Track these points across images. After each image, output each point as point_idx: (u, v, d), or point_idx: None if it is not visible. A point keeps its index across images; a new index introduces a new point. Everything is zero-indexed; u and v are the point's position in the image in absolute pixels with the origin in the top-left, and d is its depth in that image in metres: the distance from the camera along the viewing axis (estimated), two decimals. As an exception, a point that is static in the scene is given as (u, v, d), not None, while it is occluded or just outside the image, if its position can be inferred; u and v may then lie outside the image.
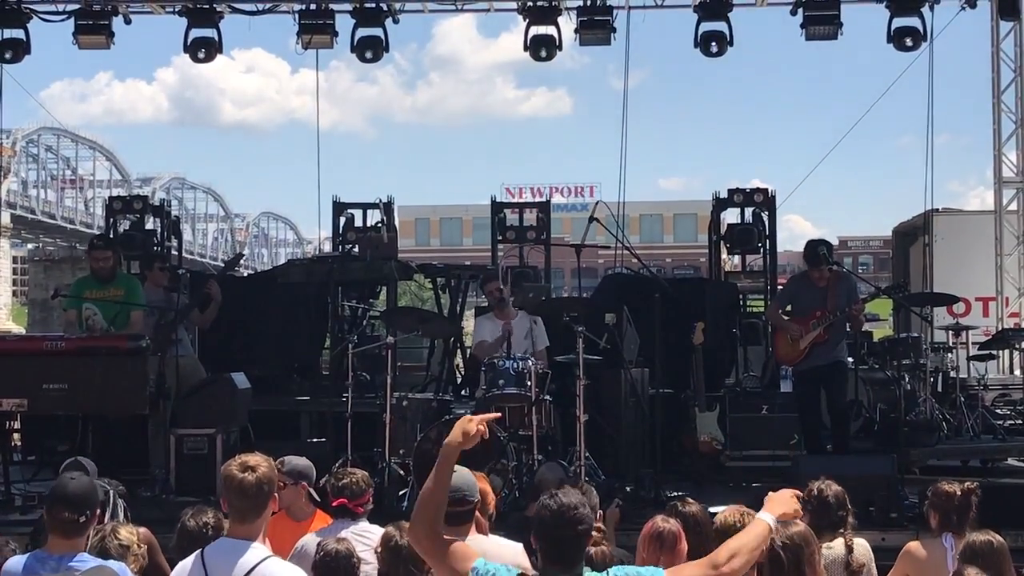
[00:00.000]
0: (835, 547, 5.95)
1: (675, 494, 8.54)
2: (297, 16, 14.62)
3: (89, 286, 10.36)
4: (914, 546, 6.18)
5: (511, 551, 5.15)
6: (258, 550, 4.50)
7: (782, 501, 4.48)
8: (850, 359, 11.58)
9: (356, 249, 14.34)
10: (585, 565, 4.18)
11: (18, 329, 45.24)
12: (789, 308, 10.64)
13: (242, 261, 11.01)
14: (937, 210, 17.05)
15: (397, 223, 17.31)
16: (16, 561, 4.85)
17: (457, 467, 5.53)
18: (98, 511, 4.94)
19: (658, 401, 10.16)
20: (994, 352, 14.28)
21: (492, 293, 10.65)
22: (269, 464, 4.62)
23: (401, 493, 9.23)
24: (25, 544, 5.52)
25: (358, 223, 16.34)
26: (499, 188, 74.99)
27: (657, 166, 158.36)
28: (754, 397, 11.69)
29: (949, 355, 13.50)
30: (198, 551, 4.62)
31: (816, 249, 10.33)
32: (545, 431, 9.53)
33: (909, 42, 14.24)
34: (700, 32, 14.35)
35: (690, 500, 5.88)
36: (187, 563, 4.61)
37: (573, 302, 10.67)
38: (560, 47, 14.61)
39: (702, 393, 10.87)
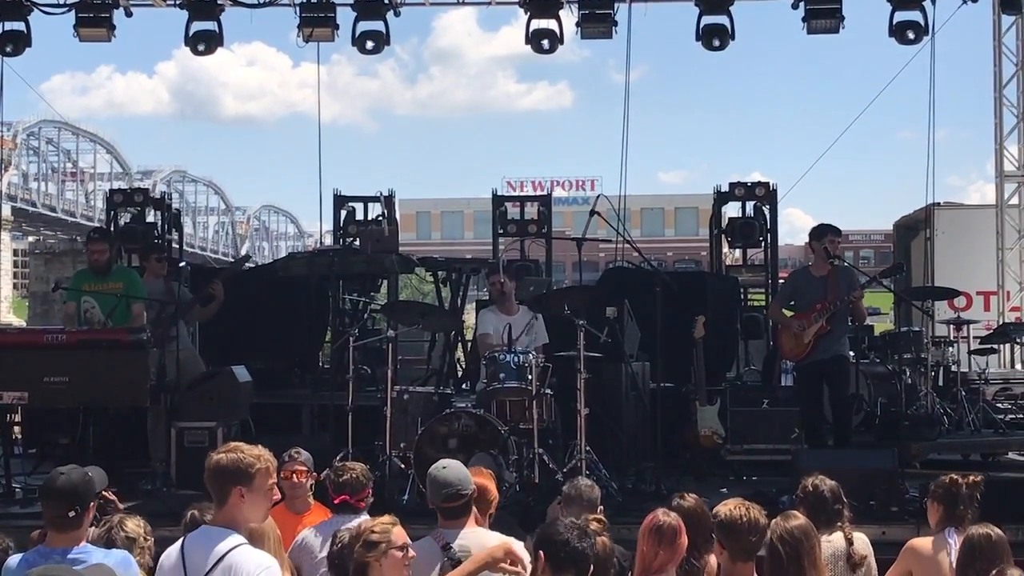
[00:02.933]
0: (834, 541, 5.97)
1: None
2: (298, 9, 14.61)
3: (87, 279, 10.37)
4: (916, 542, 6.17)
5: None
6: (232, 538, 4.45)
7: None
8: (851, 353, 11.58)
9: (357, 242, 14.37)
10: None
11: (19, 322, 45.23)
12: (792, 303, 10.62)
13: (248, 262, 11.02)
14: (939, 204, 17.05)
15: (398, 216, 17.30)
16: (18, 559, 4.85)
17: (448, 461, 5.54)
18: (92, 504, 4.92)
19: (659, 395, 10.15)
20: (995, 346, 14.28)
21: (494, 286, 10.63)
22: (237, 457, 4.52)
23: (401, 487, 9.24)
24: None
25: (359, 216, 16.35)
26: (500, 181, 75.10)
27: (658, 160, 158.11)
28: (755, 391, 11.70)
29: (950, 349, 13.49)
30: (181, 539, 4.62)
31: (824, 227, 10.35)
32: (546, 425, 9.52)
33: (911, 35, 14.22)
34: (702, 26, 14.32)
35: (686, 495, 5.87)
36: (171, 551, 4.61)
37: (571, 291, 10.65)
38: (561, 40, 14.59)
39: (703, 387, 10.87)
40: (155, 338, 9.93)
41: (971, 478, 6.10)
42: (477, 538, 5.25)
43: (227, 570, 4.35)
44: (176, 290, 10.47)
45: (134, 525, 5.29)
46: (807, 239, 10.49)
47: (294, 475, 6.92)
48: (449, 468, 5.41)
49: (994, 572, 5.09)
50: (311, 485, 6.96)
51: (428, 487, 5.42)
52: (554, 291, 11.51)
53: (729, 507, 4.93)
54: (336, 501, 6.40)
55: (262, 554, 4.57)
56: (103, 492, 5.77)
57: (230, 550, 4.40)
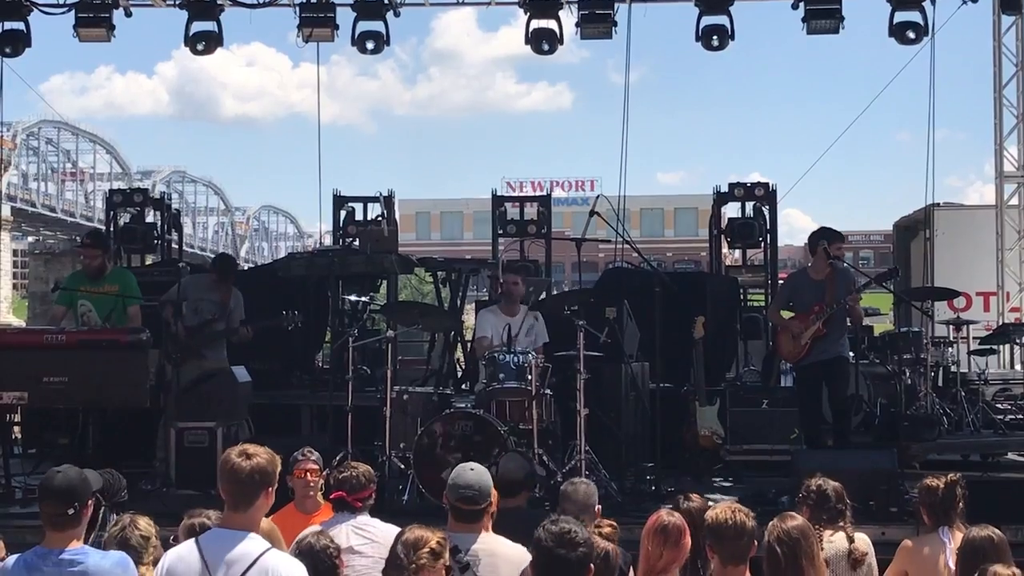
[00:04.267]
0: (836, 541, 6.00)
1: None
2: (297, 9, 14.60)
3: (83, 281, 10.32)
4: (911, 542, 6.18)
5: (518, 554, 5.13)
6: (258, 541, 4.51)
7: None
8: (851, 353, 11.57)
9: (356, 243, 14.37)
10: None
11: (18, 322, 45.18)
12: (791, 305, 10.62)
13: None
14: (938, 205, 17.06)
15: (397, 217, 17.32)
16: (15, 559, 4.83)
17: (476, 465, 5.50)
18: (90, 502, 4.92)
19: (658, 395, 10.14)
20: (995, 347, 14.28)
21: (513, 285, 10.47)
22: (269, 457, 4.61)
23: (401, 487, 9.24)
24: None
25: (358, 217, 16.38)
26: (500, 182, 75.21)
27: (658, 160, 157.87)
28: (754, 391, 11.69)
29: (950, 350, 13.49)
30: (193, 539, 4.62)
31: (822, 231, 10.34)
32: (545, 425, 9.52)
33: (911, 36, 14.22)
34: (701, 26, 14.32)
35: (692, 495, 5.87)
36: (183, 551, 4.60)
37: (571, 296, 10.62)
38: (561, 41, 14.58)
39: (702, 387, 10.86)
40: (187, 348, 10.16)
41: (949, 477, 6.12)
42: (489, 545, 5.23)
43: (264, 571, 4.40)
44: (178, 292, 10.40)
45: (146, 524, 5.31)
46: (806, 242, 10.49)
47: (307, 473, 6.90)
48: (475, 472, 5.38)
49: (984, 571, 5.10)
50: (320, 485, 6.95)
51: (449, 483, 5.39)
52: (553, 296, 11.51)
53: (716, 511, 4.94)
54: (332, 496, 6.35)
55: (295, 560, 4.66)
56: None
57: (262, 554, 4.46)
